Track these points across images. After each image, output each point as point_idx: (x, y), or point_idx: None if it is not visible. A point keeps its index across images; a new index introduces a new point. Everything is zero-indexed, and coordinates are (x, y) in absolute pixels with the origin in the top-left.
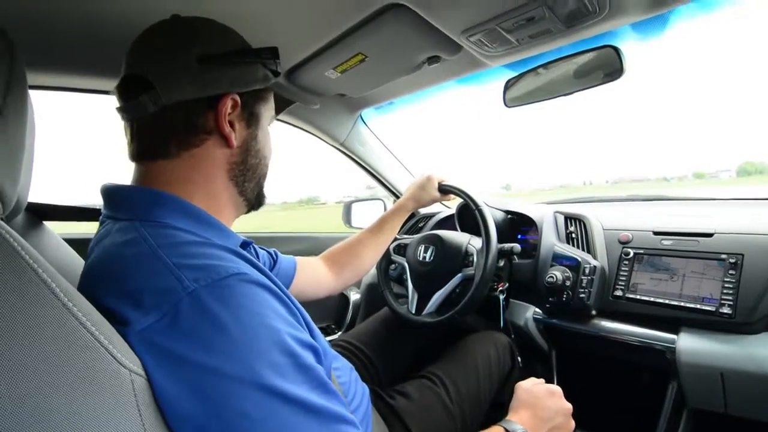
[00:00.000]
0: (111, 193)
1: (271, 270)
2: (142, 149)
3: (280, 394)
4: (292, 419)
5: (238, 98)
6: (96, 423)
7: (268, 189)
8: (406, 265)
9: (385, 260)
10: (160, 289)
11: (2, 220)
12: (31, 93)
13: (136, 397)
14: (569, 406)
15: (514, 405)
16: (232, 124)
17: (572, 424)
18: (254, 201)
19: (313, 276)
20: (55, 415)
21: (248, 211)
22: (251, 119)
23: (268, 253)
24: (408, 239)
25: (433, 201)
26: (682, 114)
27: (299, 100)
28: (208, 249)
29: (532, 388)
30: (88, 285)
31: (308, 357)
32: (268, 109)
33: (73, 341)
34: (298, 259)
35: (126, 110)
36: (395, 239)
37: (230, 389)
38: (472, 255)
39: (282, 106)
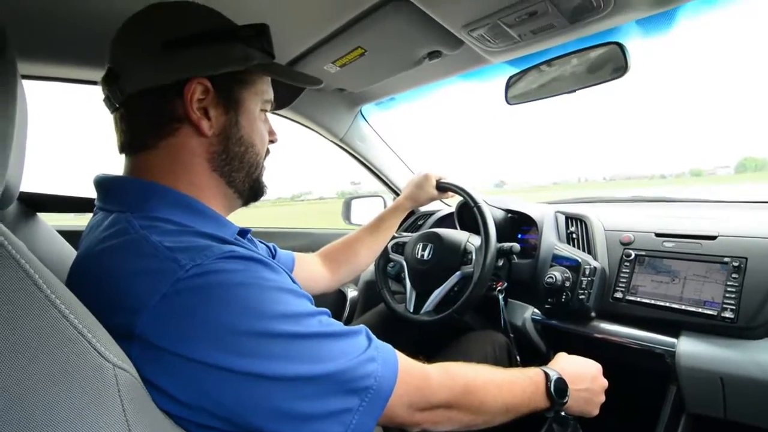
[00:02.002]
0: (103, 183)
1: None
2: (125, 141)
3: (297, 335)
4: (315, 348)
5: (207, 82)
6: (77, 417)
7: (267, 179)
8: (404, 263)
9: (383, 258)
10: (154, 271)
11: None
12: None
13: (120, 392)
14: (605, 382)
15: (553, 362)
16: (206, 111)
17: (603, 398)
18: (248, 193)
19: (310, 272)
20: (36, 409)
21: (245, 204)
22: (230, 104)
23: (267, 247)
24: (406, 237)
25: (431, 199)
26: (679, 110)
27: (296, 80)
28: (200, 238)
29: (572, 357)
30: (78, 277)
31: (309, 305)
32: (254, 92)
33: (55, 334)
34: (296, 255)
35: (105, 103)
36: (393, 237)
37: (250, 347)
38: (470, 253)
39: (289, 95)
